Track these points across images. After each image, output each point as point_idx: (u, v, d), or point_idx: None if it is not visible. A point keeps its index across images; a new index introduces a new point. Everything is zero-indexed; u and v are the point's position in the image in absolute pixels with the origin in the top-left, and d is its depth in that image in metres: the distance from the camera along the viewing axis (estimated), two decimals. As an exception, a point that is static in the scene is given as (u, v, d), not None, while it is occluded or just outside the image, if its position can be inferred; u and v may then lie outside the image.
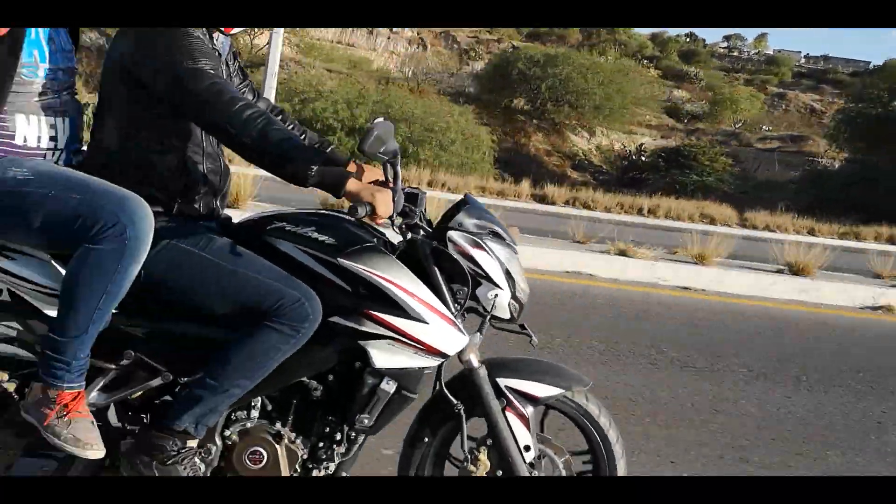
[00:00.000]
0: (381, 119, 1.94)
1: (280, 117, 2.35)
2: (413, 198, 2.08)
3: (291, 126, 2.33)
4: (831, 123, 33.46)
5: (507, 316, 2.12)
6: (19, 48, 1.85)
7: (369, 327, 1.98)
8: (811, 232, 17.37)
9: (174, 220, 2.01)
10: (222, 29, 2.07)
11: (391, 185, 1.95)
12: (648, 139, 33.82)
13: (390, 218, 1.95)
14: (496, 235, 2.12)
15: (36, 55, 1.91)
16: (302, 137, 2.23)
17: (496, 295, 2.08)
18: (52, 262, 1.95)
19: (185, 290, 1.97)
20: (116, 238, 1.81)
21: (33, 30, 1.89)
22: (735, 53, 52.98)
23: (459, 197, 2.27)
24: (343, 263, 1.99)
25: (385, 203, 1.87)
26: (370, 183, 1.95)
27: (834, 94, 42.54)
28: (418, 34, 41.31)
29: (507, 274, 2.09)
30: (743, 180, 30.25)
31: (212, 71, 1.91)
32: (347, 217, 2.08)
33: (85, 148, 2.11)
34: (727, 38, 56.76)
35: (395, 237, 2.15)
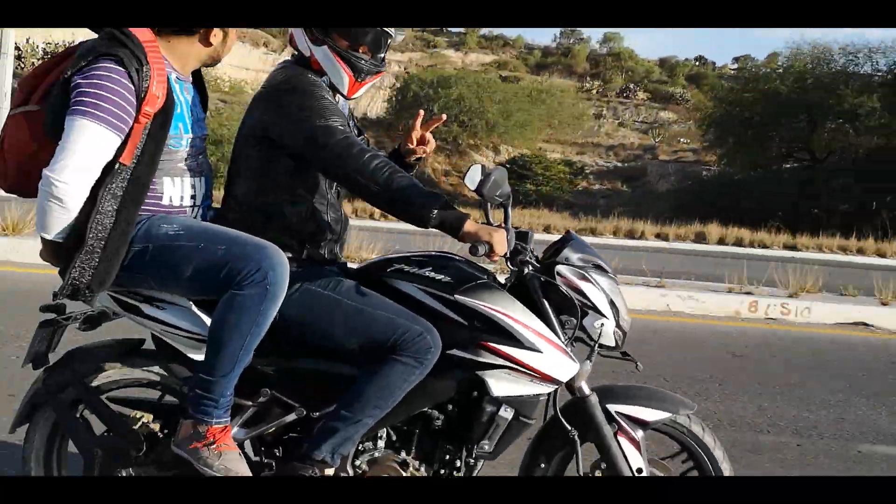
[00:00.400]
0: (497, 166, 2.14)
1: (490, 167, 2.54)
2: (523, 236, 2.24)
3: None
4: (699, 129, 33.51)
5: (613, 343, 2.24)
6: (169, 122, 2.05)
7: (487, 358, 2.12)
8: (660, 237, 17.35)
9: (304, 266, 2.19)
10: (344, 94, 2.29)
11: (503, 225, 2.15)
12: (558, 155, 34.05)
13: (504, 255, 2.11)
14: (599, 268, 2.26)
15: (181, 127, 2.12)
16: None
17: (602, 324, 2.21)
18: (193, 308, 2.13)
19: (318, 328, 2.14)
20: (259, 283, 1.98)
21: (179, 104, 2.11)
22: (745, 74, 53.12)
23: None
24: (460, 299, 2.15)
25: (501, 242, 2.05)
26: (483, 224, 2.12)
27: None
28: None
29: (612, 304, 2.23)
30: (645, 193, 30.93)
31: (341, 127, 2.11)
32: (457, 256, 2.30)
33: (215, 203, 2.32)
34: (736, 59, 57.29)
35: (499, 272, 2.32)
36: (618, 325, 2.24)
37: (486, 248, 2.03)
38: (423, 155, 2.45)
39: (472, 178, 2.21)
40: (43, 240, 2.02)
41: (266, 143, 2.16)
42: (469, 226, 2.05)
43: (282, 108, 2.13)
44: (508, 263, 2.19)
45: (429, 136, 2.43)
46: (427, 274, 2.21)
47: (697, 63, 54.33)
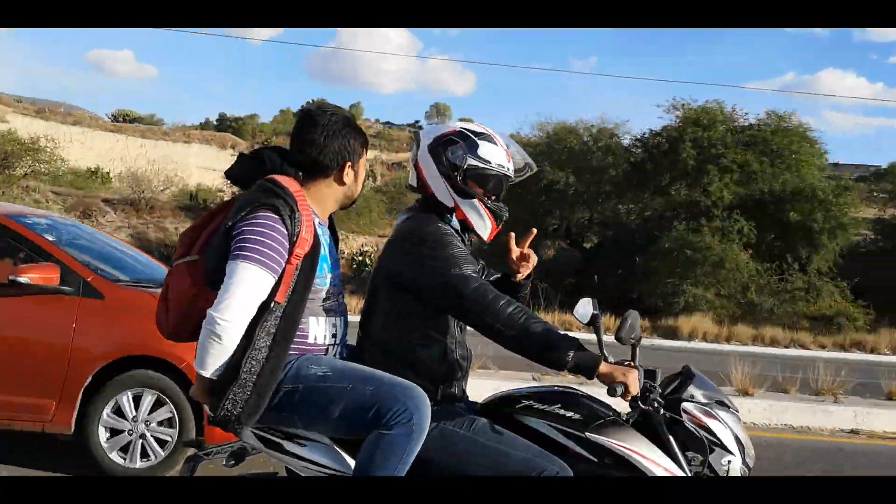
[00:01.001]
0: (631, 310, 2.30)
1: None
2: (651, 374, 2.32)
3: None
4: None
5: None
6: (317, 263, 2.22)
7: None
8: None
9: (438, 405, 2.26)
10: (485, 238, 2.45)
11: (632, 363, 2.24)
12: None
13: (636, 395, 2.19)
14: (722, 404, 2.32)
15: (325, 267, 2.28)
16: None
17: (729, 461, 2.25)
18: (334, 446, 2.21)
19: (456, 467, 2.20)
20: (406, 424, 2.07)
21: (323, 246, 2.27)
22: None
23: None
24: (591, 437, 2.22)
25: (635, 382, 2.14)
26: (615, 364, 2.20)
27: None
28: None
29: (737, 440, 2.27)
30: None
31: (475, 275, 2.24)
32: (579, 392, 2.38)
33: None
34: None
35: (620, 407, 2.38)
36: (744, 462, 2.28)
37: (622, 388, 2.12)
38: (529, 271, 2.52)
39: (582, 311, 2.32)
40: (198, 377, 2.15)
41: (400, 289, 2.29)
42: (604, 367, 2.14)
43: (416, 257, 2.26)
44: (640, 402, 2.26)
45: (528, 251, 2.52)
46: (557, 411, 2.29)
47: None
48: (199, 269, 2.22)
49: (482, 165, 2.38)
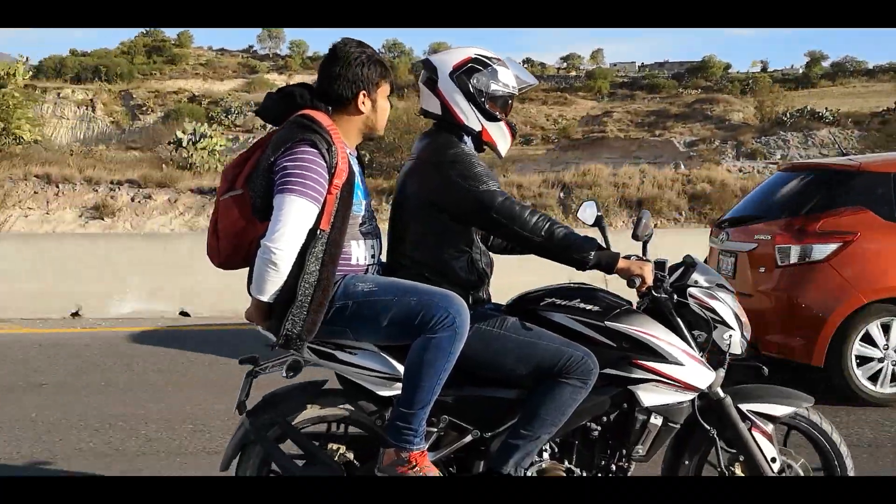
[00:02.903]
0: (644, 210, 2.55)
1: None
2: (661, 266, 2.55)
3: None
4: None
5: (740, 352, 2.58)
6: (353, 190, 2.39)
7: (637, 374, 2.47)
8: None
9: (472, 309, 2.48)
10: (502, 155, 2.68)
11: (643, 257, 2.52)
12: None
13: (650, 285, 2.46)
14: (722, 287, 2.60)
15: (359, 194, 2.46)
16: None
17: (730, 336, 2.55)
18: (382, 353, 2.45)
19: (492, 362, 2.47)
20: (449, 327, 2.31)
21: (356, 175, 2.44)
22: (573, 73, 54.52)
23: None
24: (610, 325, 2.49)
25: (650, 273, 2.42)
26: (630, 260, 2.47)
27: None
28: (90, 97, 42.89)
29: (736, 317, 2.57)
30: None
31: (498, 189, 2.45)
32: (594, 287, 2.63)
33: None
34: (564, 58, 59.10)
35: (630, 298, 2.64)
36: (742, 336, 2.58)
37: (639, 280, 2.40)
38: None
39: (587, 213, 2.62)
40: (254, 301, 2.36)
41: (429, 209, 2.50)
42: (622, 263, 2.42)
43: (445, 178, 2.45)
44: (653, 291, 2.51)
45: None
46: (577, 305, 2.55)
47: (526, 65, 55.59)
48: (244, 202, 2.38)
49: (502, 89, 2.57)
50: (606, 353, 2.47)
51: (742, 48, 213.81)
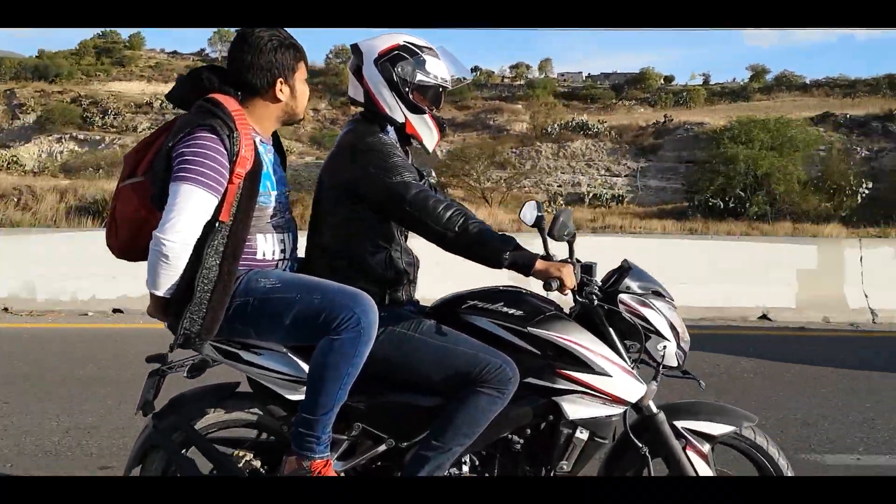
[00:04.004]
0: (565, 207, 2.32)
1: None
2: (588, 269, 2.40)
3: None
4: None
5: (676, 364, 2.40)
6: (258, 181, 2.25)
7: (561, 384, 2.29)
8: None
9: (386, 310, 2.34)
10: (430, 150, 2.53)
11: (569, 260, 2.34)
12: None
13: (573, 289, 2.28)
14: (658, 294, 2.43)
15: (268, 185, 2.31)
16: None
17: (665, 346, 2.37)
18: (289, 354, 2.30)
19: (405, 366, 2.30)
20: (354, 328, 2.15)
21: (265, 164, 2.30)
22: (520, 82, 54.81)
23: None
24: (533, 331, 2.32)
25: (570, 276, 2.24)
26: (550, 261, 2.29)
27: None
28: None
29: (672, 327, 2.39)
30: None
31: (415, 181, 2.31)
32: (524, 290, 2.46)
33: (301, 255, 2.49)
34: (513, 66, 60.02)
35: (564, 303, 2.46)
36: (679, 347, 2.40)
37: (557, 283, 2.21)
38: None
39: (527, 214, 2.44)
40: (152, 296, 2.21)
41: (348, 198, 2.35)
42: (540, 264, 2.23)
43: (361, 168, 2.31)
44: (576, 296, 2.35)
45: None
46: (500, 309, 2.38)
47: (474, 72, 56.18)
48: (145, 190, 2.25)
49: (428, 80, 2.42)
50: (529, 361, 2.30)
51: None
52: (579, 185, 34.04)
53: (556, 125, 37.67)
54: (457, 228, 2.22)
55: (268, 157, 2.35)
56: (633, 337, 2.37)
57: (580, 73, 64.46)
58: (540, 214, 2.47)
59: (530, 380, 2.29)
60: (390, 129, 2.46)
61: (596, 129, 36.69)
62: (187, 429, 2.35)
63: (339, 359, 2.14)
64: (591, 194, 32.17)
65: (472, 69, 56.08)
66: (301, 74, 2.37)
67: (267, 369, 2.29)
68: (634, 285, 2.41)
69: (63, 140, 39.93)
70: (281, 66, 2.30)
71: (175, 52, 61.78)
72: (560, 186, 33.87)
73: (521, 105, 43.98)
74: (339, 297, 2.18)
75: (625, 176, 34.51)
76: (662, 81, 55.81)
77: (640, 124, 37.56)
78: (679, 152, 34.03)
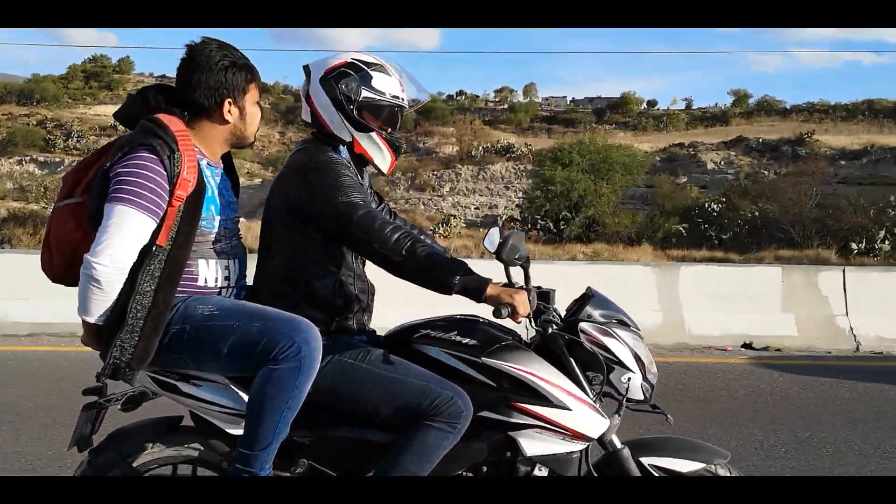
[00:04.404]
0: (516, 230, 2.22)
1: (417, 232, 2.61)
2: (545, 296, 2.28)
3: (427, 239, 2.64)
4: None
5: (641, 397, 2.27)
6: (201, 205, 2.14)
7: (517, 418, 2.16)
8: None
9: (334, 338, 2.22)
10: (385, 171, 2.40)
11: (525, 286, 2.20)
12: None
13: (528, 316, 2.15)
14: (622, 323, 2.30)
15: (212, 209, 2.21)
16: None
17: (629, 378, 2.24)
18: (231, 385, 2.17)
19: (351, 399, 2.17)
20: (293, 358, 2.03)
21: (210, 188, 2.20)
22: (503, 106, 55.41)
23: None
24: (487, 362, 2.19)
25: (523, 303, 2.10)
26: (504, 287, 2.16)
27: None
28: None
29: (637, 358, 2.26)
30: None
31: (363, 202, 2.18)
32: (481, 319, 2.33)
33: (250, 282, 2.37)
34: (498, 91, 60.68)
35: (524, 332, 2.35)
36: (645, 379, 2.28)
37: (508, 310, 2.07)
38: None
39: (491, 240, 2.28)
40: (85, 323, 2.09)
41: (294, 220, 2.23)
42: (491, 289, 2.10)
43: (308, 186, 2.20)
44: (532, 323, 2.23)
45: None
46: (453, 338, 2.25)
47: (459, 97, 56.05)
48: (82, 211, 2.14)
49: (376, 97, 2.31)
50: (484, 394, 2.17)
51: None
52: (496, 208, 34.37)
53: (480, 148, 38.04)
54: (404, 252, 2.09)
55: (214, 180, 2.25)
56: (595, 368, 2.24)
57: (564, 97, 65.32)
58: (502, 241, 2.32)
59: (485, 413, 2.16)
60: (343, 149, 2.35)
61: (519, 152, 36.99)
62: (124, 466, 2.21)
63: (277, 390, 2.02)
64: (505, 217, 31.84)
65: (457, 93, 56.41)
66: (252, 96, 2.28)
67: (206, 402, 2.16)
68: (596, 313, 2.29)
69: (23, 162, 39.87)
70: (230, 87, 2.21)
71: (164, 76, 61.67)
72: (477, 209, 34.23)
73: (452, 128, 44.53)
74: (280, 325, 2.06)
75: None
76: (646, 106, 56.41)
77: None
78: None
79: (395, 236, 2.11)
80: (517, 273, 2.25)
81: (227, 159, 2.37)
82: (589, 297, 2.35)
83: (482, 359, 2.19)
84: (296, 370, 2.02)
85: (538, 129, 47.46)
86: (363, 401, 2.15)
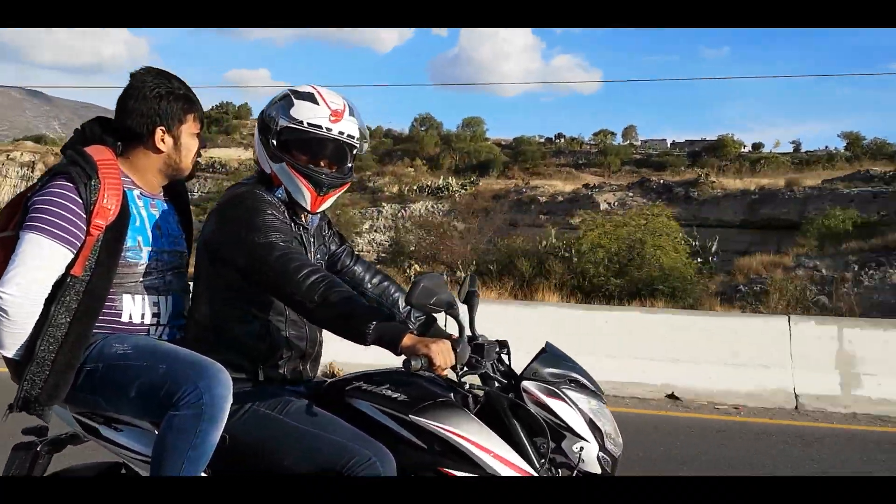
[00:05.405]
0: (430, 272, 2.00)
1: (379, 279, 2.50)
2: (480, 348, 2.04)
3: (395, 291, 2.48)
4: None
5: (598, 470, 2.00)
6: (124, 235, 2.07)
7: None
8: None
9: (258, 386, 2.09)
10: (308, 209, 2.22)
11: (458, 336, 1.97)
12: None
13: (454, 369, 1.92)
14: (577, 384, 2.05)
15: (140, 240, 2.14)
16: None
17: (581, 448, 1.98)
18: (155, 431, 2.03)
19: (266, 451, 2.00)
20: (194, 404, 1.91)
21: (137, 218, 2.14)
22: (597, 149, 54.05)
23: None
24: (414, 420, 1.99)
25: (441, 354, 1.85)
26: (428, 337, 1.93)
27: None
28: (32, 160, 44.40)
29: (592, 424, 2.00)
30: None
31: (282, 243, 2.01)
32: (424, 373, 2.09)
33: None
34: (596, 133, 59.69)
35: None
36: (603, 450, 2.01)
37: (422, 361, 1.84)
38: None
39: (461, 290, 2.13)
40: (4, 358, 2.03)
41: (216, 260, 2.11)
42: (407, 339, 1.88)
43: (227, 224, 2.09)
44: (459, 379, 2.03)
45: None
46: (384, 392, 2.07)
47: (559, 139, 55.16)
48: (12, 243, 2.08)
49: (294, 126, 2.15)
50: (411, 455, 1.97)
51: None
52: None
53: (414, 188, 38.35)
54: (316, 298, 1.91)
55: (147, 210, 2.19)
56: (542, 433, 1.99)
57: (664, 139, 63.93)
58: (471, 289, 2.17)
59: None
60: (281, 189, 2.20)
61: (450, 192, 37.04)
62: None
63: (177, 437, 1.90)
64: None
65: (556, 135, 56.01)
66: (189, 128, 2.24)
67: (125, 448, 2.05)
68: (545, 371, 2.05)
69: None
70: (164, 115, 2.18)
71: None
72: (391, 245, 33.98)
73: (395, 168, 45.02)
74: (184, 368, 1.95)
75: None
76: (750, 148, 54.32)
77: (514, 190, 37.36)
78: (505, 215, 32.09)
79: (310, 280, 1.93)
80: (459, 320, 2.01)
81: (176, 191, 2.33)
82: (541, 352, 2.11)
83: (410, 416, 1.99)
84: (196, 417, 1.90)
85: (626, 172, 46.51)
86: (279, 456, 1.98)
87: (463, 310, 2.11)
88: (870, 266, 17.79)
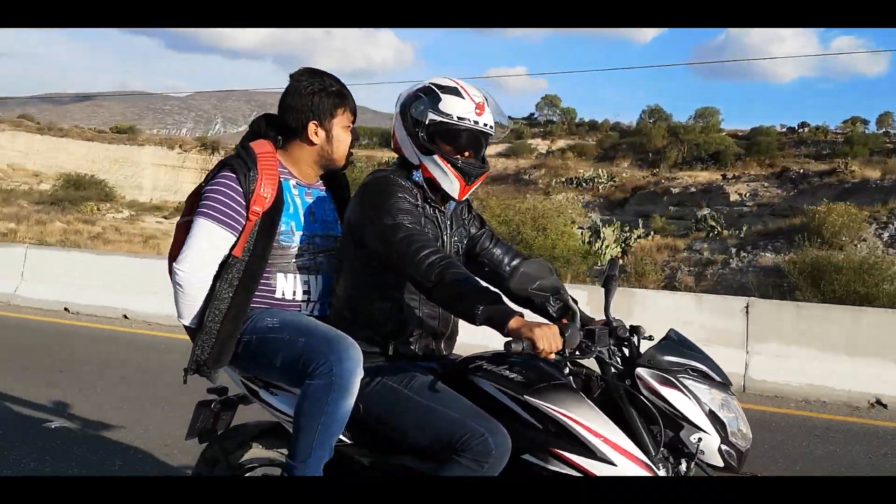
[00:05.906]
0: (534, 258, 2.02)
1: (519, 261, 2.46)
2: (591, 334, 2.02)
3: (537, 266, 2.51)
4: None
5: (720, 463, 1.94)
6: (277, 219, 2.30)
7: (556, 466, 1.97)
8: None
9: (389, 360, 2.22)
10: (456, 198, 2.32)
11: (566, 321, 1.96)
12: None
13: (561, 354, 1.92)
14: (700, 374, 1.99)
15: (292, 225, 2.36)
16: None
17: (700, 439, 1.93)
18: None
19: (391, 423, 2.14)
20: (325, 374, 2.08)
21: (291, 205, 2.36)
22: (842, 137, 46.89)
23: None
24: (529, 400, 2.03)
25: (545, 338, 1.86)
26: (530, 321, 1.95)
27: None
28: None
29: (713, 416, 1.94)
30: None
31: (408, 225, 2.12)
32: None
33: None
34: (846, 121, 51.95)
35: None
36: (726, 443, 1.93)
37: (524, 344, 1.86)
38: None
39: (606, 271, 2.18)
40: (183, 325, 2.35)
41: (355, 241, 2.25)
42: (514, 322, 1.91)
43: (363, 207, 2.22)
44: (568, 364, 2.06)
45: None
46: (503, 372, 2.13)
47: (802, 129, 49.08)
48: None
49: (444, 119, 2.24)
50: (529, 435, 2.01)
51: None
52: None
53: (562, 180, 38.36)
54: (433, 278, 1.99)
55: (303, 198, 2.40)
56: (655, 421, 1.96)
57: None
58: (610, 273, 2.19)
59: (526, 457, 2.01)
60: (417, 174, 2.31)
61: (593, 183, 36.80)
62: (224, 462, 2.40)
63: (311, 406, 2.08)
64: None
65: (799, 125, 50.99)
66: (341, 121, 2.40)
67: (277, 410, 2.28)
68: (663, 359, 1.99)
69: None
70: (317, 110, 2.36)
71: (510, 117, 65.19)
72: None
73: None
74: (319, 343, 2.13)
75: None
76: None
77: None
78: (638, 207, 32.92)
79: (429, 261, 2.02)
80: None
81: (335, 180, 2.52)
82: (664, 339, 2.06)
83: (525, 396, 2.04)
84: (327, 387, 2.06)
85: (875, 162, 40.98)
86: (402, 427, 2.11)
87: (599, 294, 2.16)
88: None
